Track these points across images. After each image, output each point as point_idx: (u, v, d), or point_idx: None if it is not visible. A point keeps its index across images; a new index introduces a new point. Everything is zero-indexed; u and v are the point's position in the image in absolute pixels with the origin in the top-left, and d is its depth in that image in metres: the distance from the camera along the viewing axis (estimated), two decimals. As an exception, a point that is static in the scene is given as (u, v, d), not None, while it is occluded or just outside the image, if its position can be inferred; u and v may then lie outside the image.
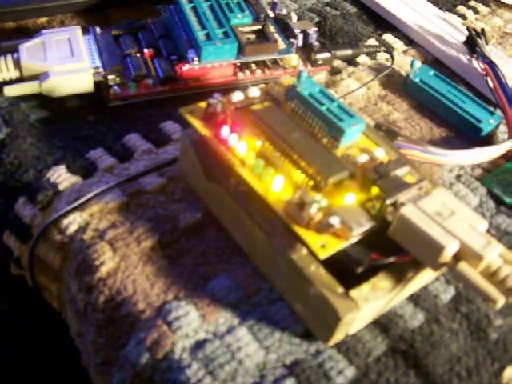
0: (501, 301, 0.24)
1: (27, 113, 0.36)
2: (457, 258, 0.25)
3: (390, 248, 0.26)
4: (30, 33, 0.39)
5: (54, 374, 0.45)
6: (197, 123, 0.30)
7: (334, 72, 0.43)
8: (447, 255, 0.25)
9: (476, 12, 0.53)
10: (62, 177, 0.32)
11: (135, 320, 0.27)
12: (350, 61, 0.44)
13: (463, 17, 0.52)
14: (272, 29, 0.40)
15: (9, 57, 0.36)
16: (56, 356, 0.44)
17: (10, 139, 0.34)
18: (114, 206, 0.31)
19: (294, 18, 0.43)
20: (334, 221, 0.25)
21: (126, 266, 0.29)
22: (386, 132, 0.36)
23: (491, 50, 0.45)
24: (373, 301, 0.25)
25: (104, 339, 0.28)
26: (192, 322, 0.27)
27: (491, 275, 0.25)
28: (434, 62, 0.45)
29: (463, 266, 0.25)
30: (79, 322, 0.30)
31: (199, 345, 0.26)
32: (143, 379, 0.26)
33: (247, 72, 0.39)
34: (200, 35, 0.37)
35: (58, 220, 0.31)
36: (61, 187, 0.32)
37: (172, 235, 0.30)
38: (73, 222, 0.31)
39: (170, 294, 0.28)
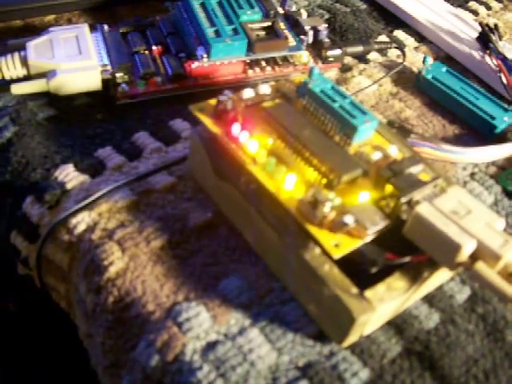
0: (520, 301, 0.24)
1: (35, 111, 0.36)
2: (474, 257, 0.25)
3: (404, 247, 0.26)
4: (37, 31, 0.38)
5: (63, 376, 0.44)
6: (207, 121, 0.29)
7: (345, 69, 0.42)
8: (464, 255, 0.24)
9: (488, 8, 0.52)
10: (69, 176, 0.32)
11: (145, 321, 0.27)
12: (361, 58, 0.43)
13: (475, 13, 0.51)
14: (282, 25, 0.40)
15: (16, 55, 0.36)
16: (65, 357, 0.44)
17: (17, 138, 0.34)
18: (123, 205, 0.31)
19: (304, 14, 0.42)
20: (349, 220, 0.25)
21: (135, 266, 0.28)
22: (399, 129, 0.36)
23: (504, 46, 0.44)
24: (388, 301, 0.25)
25: (113, 341, 0.28)
26: (203, 323, 0.26)
27: (510, 275, 0.24)
28: (446, 58, 0.45)
29: (480, 266, 0.24)
30: (88, 323, 0.30)
31: (210, 346, 0.26)
32: (153, 382, 0.26)
33: (257, 69, 0.39)
34: (209, 32, 0.36)
35: (66, 219, 0.30)
36: (69, 186, 0.32)
37: (182, 235, 0.30)
38: (81, 222, 0.30)
39: (180, 294, 0.27)
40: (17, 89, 0.36)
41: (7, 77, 0.36)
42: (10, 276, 0.36)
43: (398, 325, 0.27)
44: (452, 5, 0.50)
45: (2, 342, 0.47)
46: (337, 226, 0.25)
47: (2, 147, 0.34)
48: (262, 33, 0.39)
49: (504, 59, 0.41)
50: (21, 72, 0.36)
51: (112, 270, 0.28)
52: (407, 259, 0.26)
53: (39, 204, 0.32)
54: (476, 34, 0.45)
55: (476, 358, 0.27)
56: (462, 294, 0.29)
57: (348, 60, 0.43)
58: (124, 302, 0.28)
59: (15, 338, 0.47)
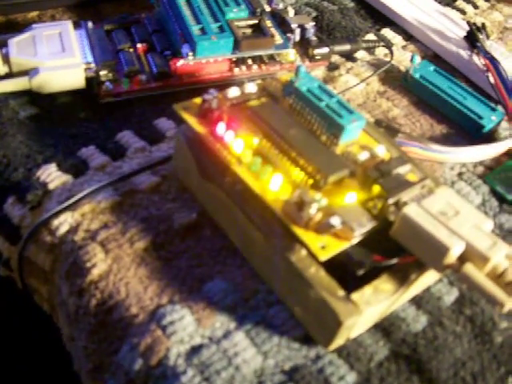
0: (508, 304, 0.23)
1: (16, 110, 0.35)
2: (462, 259, 0.24)
3: (392, 249, 0.26)
4: (19, 27, 0.38)
5: (47, 379, 0.44)
6: (191, 120, 0.29)
7: (332, 67, 0.42)
8: (452, 257, 0.24)
9: (475, 7, 0.52)
10: (52, 176, 0.31)
11: (128, 324, 0.26)
12: (349, 56, 0.43)
13: (462, 11, 0.51)
14: (269, 23, 0.39)
15: (-3, 52, 0.35)
16: (48, 360, 0.43)
17: (-2, 137, 0.34)
18: (107, 206, 0.30)
19: (291, 12, 0.42)
20: (335, 221, 0.24)
21: (118, 268, 0.28)
22: (386, 129, 0.36)
23: (492, 46, 0.44)
24: (375, 304, 0.25)
25: (96, 344, 0.27)
26: (187, 327, 0.26)
27: (498, 277, 0.24)
28: (434, 57, 0.44)
29: (469, 268, 0.24)
30: (70, 326, 0.29)
31: (195, 350, 0.25)
32: (137, 386, 0.25)
33: (243, 67, 0.38)
34: (195, 30, 0.36)
35: (49, 220, 0.30)
36: (51, 186, 0.31)
37: (166, 236, 0.29)
38: (63, 223, 0.30)
39: (164, 297, 0.27)
40: (-2, 87, 0.35)
41: (-11, 74, 0.35)
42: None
43: (385, 327, 0.27)
44: (440, 3, 0.50)
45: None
46: (323, 228, 0.25)
47: (-18, 146, 0.33)
48: (249, 30, 0.38)
49: (491, 58, 0.41)
50: (2, 70, 0.35)
51: (95, 272, 0.28)
52: (394, 261, 0.25)
53: (21, 205, 0.31)
54: (464, 33, 0.45)
55: (464, 361, 0.27)
56: (450, 296, 0.29)
57: (335, 58, 0.42)
58: (107, 304, 0.27)
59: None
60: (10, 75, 0.35)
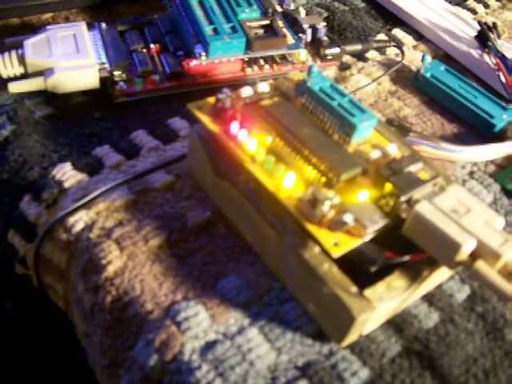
0: (520, 300, 0.23)
1: (32, 109, 0.36)
2: (474, 256, 0.25)
3: (404, 246, 0.26)
4: (34, 29, 0.38)
5: (60, 375, 0.44)
6: (205, 119, 0.29)
7: (344, 67, 0.42)
8: (464, 254, 0.24)
9: (486, 6, 0.52)
10: (67, 174, 0.32)
11: (143, 320, 0.27)
12: (360, 56, 0.43)
13: (473, 11, 0.51)
14: (280, 23, 0.39)
15: (13, 53, 0.35)
16: (62, 357, 0.44)
17: (14, 136, 0.34)
18: (121, 204, 0.31)
19: (303, 12, 0.42)
20: (348, 218, 0.25)
21: (133, 265, 0.28)
22: (398, 128, 0.36)
23: (503, 45, 0.44)
24: (388, 300, 0.25)
25: (111, 340, 0.28)
26: (201, 323, 0.26)
27: (509, 274, 0.24)
28: (444, 56, 0.45)
29: (480, 265, 0.24)
30: (86, 323, 0.30)
31: (209, 346, 0.26)
32: (152, 381, 0.25)
33: (255, 67, 0.39)
34: (207, 30, 0.36)
35: (64, 218, 0.30)
36: (66, 185, 0.31)
37: (180, 234, 0.30)
38: (79, 221, 0.30)
39: (179, 293, 0.27)
40: (14, 87, 0.35)
41: (4, 75, 0.36)
42: (7, 275, 0.36)
43: (397, 324, 0.27)
44: (450, 3, 0.50)
45: (-1, 341, 0.47)
46: (336, 225, 0.25)
47: (-1, 146, 0.34)
48: (261, 31, 0.39)
49: (502, 58, 0.41)
50: (18, 70, 0.36)
51: (110, 269, 0.28)
52: (407, 258, 0.25)
53: (37, 203, 0.31)
54: (474, 33, 0.45)
55: (475, 357, 0.27)
56: (462, 293, 0.29)
57: (347, 58, 0.43)
58: (122, 301, 0.28)
59: (13, 337, 0.47)
60: (25, 76, 0.36)
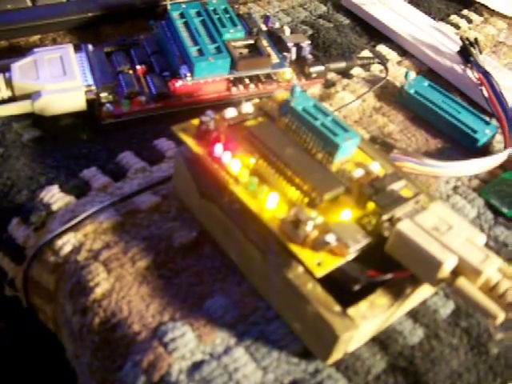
0: (501, 316, 0.24)
1: (20, 132, 0.36)
2: (455, 273, 0.25)
3: (387, 264, 0.26)
4: (22, 51, 0.38)
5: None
6: (190, 141, 0.29)
7: (329, 85, 0.43)
8: (445, 271, 0.25)
9: (469, 21, 0.52)
10: (55, 197, 0.32)
11: (131, 342, 0.27)
12: (344, 73, 0.44)
13: (456, 26, 0.52)
14: (265, 43, 0.40)
15: (0, 76, 0.36)
16: (53, 377, 0.44)
17: (2, 159, 0.34)
18: (108, 226, 0.31)
19: (287, 31, 0.43)
20: (330, 238, 0.25)
21: (120, 286, 0.29)
22: (382, 145, 0.36)
23: (485, 60, 0.45)
24: (371, 318, 0.25)
25: (100, 361, 0.28)
26: (188, 343, 0.26)
27: (490, 290, 0.25)
28: (429, 72, 0.45)
29: (462, 282, 0.25)
30: (75, 344, 0.30)
31: (196, 366, 0.26)
32: (140, 403, 0.26)
33: (241, 87, 0.39)
34: (192, 51, 0.37)
35: (52, 241, 0.30)
36: (54, 207, 0.32)
37: (167, 255, 0.30)
38: (67, 243, 0.30)
39: (166, 314, 0.28)
40: (2, 110, 0.36)
41: (-9, 98, 0.36)
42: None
43: (382, 341, 0.28)
44: (433, 18, 0.51)
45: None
46: (319, 245, 0.25)
47: (-13, 169, 0.34)
48: (245, 51, 0.39)
49: (485, 73, 0.42)
50: (5, 93, 0.36)
51: (98, 291, 0.28)
52: (389, 276, 0.26)
53: (25, 225, 0.32)
54: (457, 48, 0.45)
55: (460, 372, 0.27)
56: (446, 309, 0.29)
57: (331, 75, 0.43)
58: (110, 322, 0.28)
59: (4, 357, 0.47)
60: (13, 99, 0.36)
